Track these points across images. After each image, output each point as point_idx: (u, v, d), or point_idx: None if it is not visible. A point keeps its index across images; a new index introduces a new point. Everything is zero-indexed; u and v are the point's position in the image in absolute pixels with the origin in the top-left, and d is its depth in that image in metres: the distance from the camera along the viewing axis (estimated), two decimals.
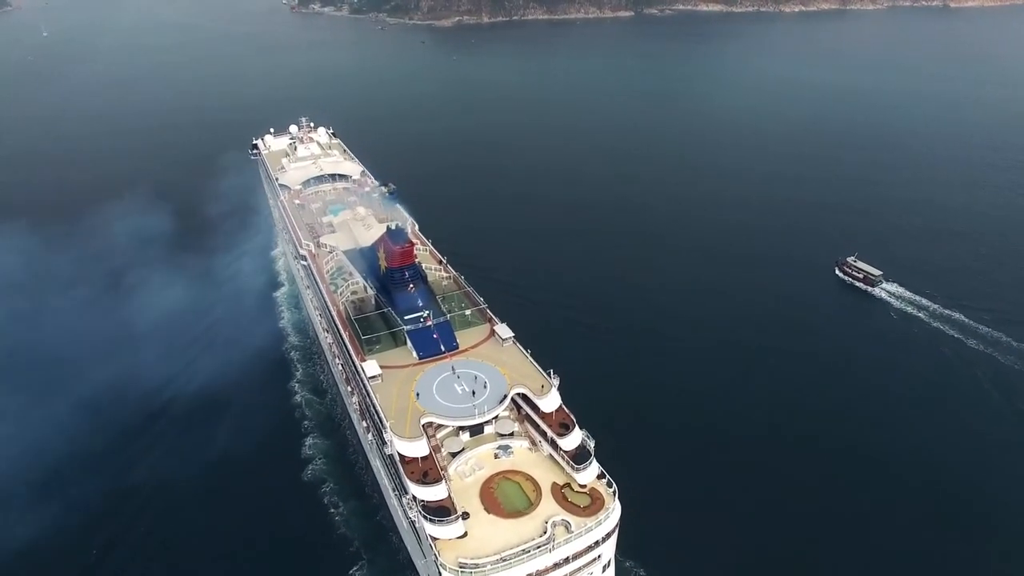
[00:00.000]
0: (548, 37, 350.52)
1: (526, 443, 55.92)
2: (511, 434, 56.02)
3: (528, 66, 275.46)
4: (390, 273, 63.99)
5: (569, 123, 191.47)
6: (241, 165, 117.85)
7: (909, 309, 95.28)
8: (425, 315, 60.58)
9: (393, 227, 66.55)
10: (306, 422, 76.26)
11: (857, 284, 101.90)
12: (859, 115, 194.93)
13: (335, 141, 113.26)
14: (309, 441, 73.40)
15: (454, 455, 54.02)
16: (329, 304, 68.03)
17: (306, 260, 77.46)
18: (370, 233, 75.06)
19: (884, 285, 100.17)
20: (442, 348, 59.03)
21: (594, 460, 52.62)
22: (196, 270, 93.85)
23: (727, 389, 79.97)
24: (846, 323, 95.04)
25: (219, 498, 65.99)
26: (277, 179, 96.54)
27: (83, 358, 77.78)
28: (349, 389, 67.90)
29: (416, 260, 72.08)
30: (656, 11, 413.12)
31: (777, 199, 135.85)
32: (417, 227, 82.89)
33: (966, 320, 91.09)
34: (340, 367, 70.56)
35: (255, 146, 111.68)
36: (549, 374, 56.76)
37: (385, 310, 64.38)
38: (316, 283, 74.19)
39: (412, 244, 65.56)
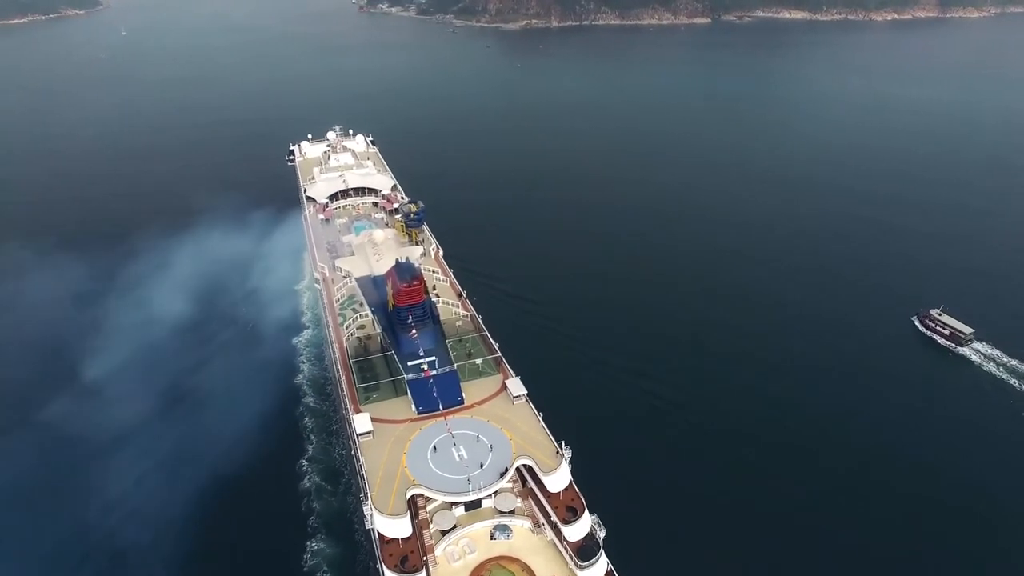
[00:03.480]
0: (619, 45, 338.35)
1: (528, 523, 49.31)
2: (512, 511, 49.11)
3: (597, 76, 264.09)
4: (396, 312, 57.85)
5: (636, 142, 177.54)
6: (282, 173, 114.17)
7: (1005, 376, 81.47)
8: (428, 363, 54.29)
9: (403, 260, 60.26)
10: (313, 518, 61.94)
11: (941, 341, 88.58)
12: (964, 138, 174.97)
13: (372, 150, 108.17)
14: (313, 545, 59.33)
15: (444, 533, 47.39)
16: (333, 339, 62.55)
17: (319, 284, 72.51)
18: (385, 261, 69.00)
19: (975, 345, 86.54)
20: (440, 406, 52.64)
21: (603, 555, 45.89)
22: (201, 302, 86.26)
23: (775, 472, 67.83)
24: (924, 387, 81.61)
25: None
26: (305, 190, 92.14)
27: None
28: (349, 431, 62.25)
29: (433, 292, 66.34)
30: (734, 18, 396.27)
31: (856, 229, 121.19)
32: (441, 253, 76.73)
33: None
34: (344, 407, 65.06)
35: (291, 152, 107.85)
36: (561, 445, 49.68)
37: (390, 352, 58.22)
38: (324, 312, 69.01)
39: (421, 282, 58.99)
